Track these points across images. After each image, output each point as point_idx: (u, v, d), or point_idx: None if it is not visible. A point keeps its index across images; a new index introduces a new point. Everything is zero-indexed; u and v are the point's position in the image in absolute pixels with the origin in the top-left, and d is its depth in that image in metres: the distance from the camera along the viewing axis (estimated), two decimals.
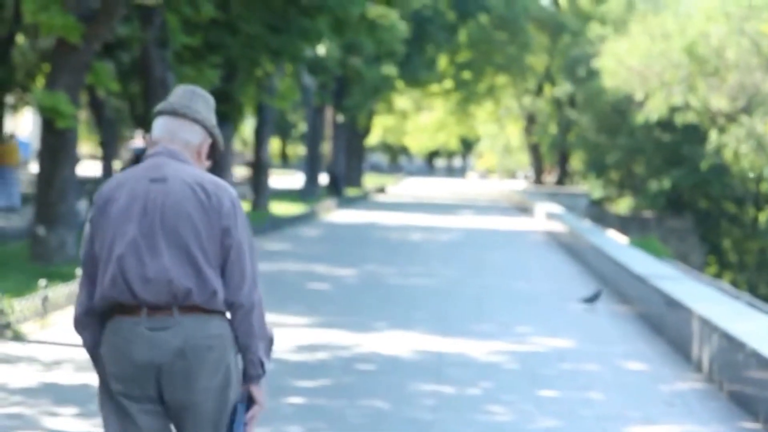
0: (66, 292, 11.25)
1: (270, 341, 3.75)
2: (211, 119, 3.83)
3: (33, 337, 9.89)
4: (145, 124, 19.83)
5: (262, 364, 3.72)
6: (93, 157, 62.50)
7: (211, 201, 3.67)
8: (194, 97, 3.81)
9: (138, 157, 28.79)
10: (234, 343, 3.70)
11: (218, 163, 24.13)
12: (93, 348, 3.78)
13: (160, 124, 3.80)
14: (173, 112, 3.79)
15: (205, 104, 3.83)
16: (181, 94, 3.82)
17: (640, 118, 42.73)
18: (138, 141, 25.74)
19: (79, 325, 3.77)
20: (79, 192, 16.28)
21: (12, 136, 25.56)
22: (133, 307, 3.63)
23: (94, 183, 30.18)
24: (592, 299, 13.38)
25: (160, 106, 3.83)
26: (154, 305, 3.62)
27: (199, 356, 3.62)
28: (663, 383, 8.93)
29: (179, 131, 3.78)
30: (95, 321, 3.74)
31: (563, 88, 54.26)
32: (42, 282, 10.78)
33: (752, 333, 8.41)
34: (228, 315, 3.72)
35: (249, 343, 3.70)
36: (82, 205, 17.32)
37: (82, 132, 53.20)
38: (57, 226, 14.61)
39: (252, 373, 3.72)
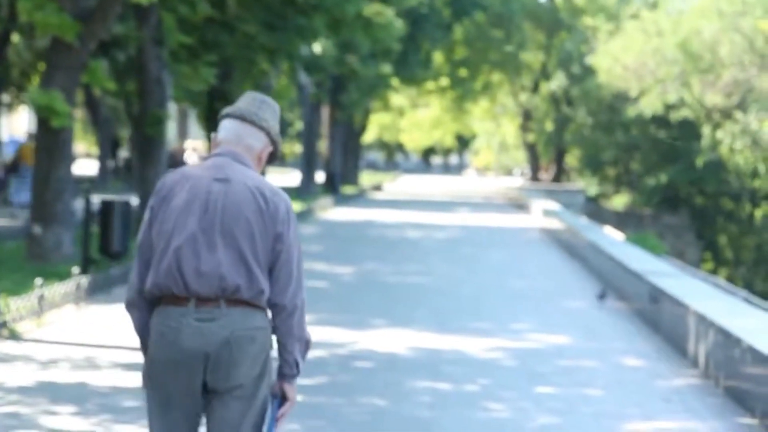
0: (62, 291, 11.25)
1: (307, 344, 3.95)
2: (276, 127, 4.00)
3: (29, 336, 9.88)
4: (141, 125, 19.80)
5: (297, 365, 3.93)
6: (89, 155, 62.45)
7: (268, 207, 3.85)
8: (263, 105, 3.99)
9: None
10: (271, 336, 3.89)
11: None
12: (143, 329, 3.95)
13: (227, 127, 3.98)
14: (241, 117, 3.96)
15: (272, 113, 4.01)
16: (250, 100, 3.99)
17: (631, 111, 42.78)
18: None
19: (131, 305, 3.94)
20: (75, 191, 16.26)
21: (32, 135, 25.77)
22: (182, 298, 3.81)
23: (90, 182, 30.14)
24: (602, 296, 13.62)
25: (228, 110, 3.99)
26: (203, 297, 3.80)
27: (243, 346, 3.81)
28: (660, 379, 8.94)
29: (245, 136, 3.95)
30: (144, 303, 3.91)
31: (558, 82, 54.25)
32: (38, 281, 10.77)
33: (748, 329, 8.43)
34: (269, 313, 3.90)
35: (287, 342, 3.90)
36: (78, 204, 17.31)
37: (78, 131, 53.14)
38: (53, 225, 14.60)
39: (287, 372, 3.93)
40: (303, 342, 3.93)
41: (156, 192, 3.92)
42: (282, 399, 3.93)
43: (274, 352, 3.95)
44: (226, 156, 3.92)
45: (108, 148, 42.28)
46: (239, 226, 3.82)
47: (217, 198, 3.84)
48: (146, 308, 3.92)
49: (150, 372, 3.88)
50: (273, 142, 4.01)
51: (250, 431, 3.86)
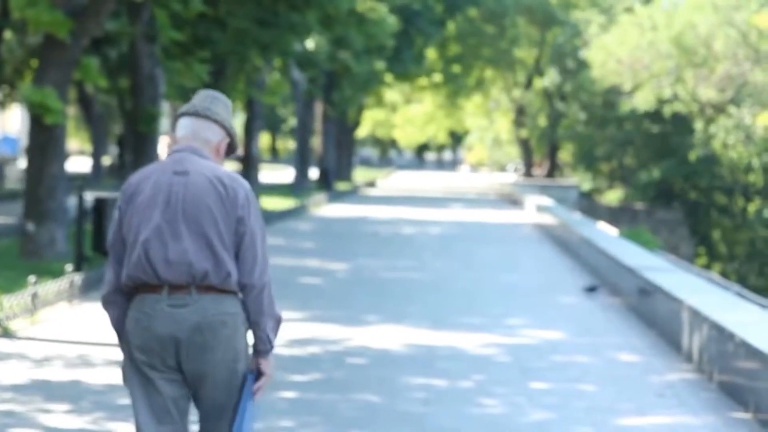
0: (55, 288, 11.23)
1: (278, 320, 4.18)
2: (229, 120, 4.25)
3: (23, 334, 9.87)
4: (134, 122, 19.78)
5: (269, 340, 4.15)
6: (82, 153, 62.36)
7: (228, 193, 4.07)
8: (215, 101, 4.24)
9: None
10: (245, 320, 4.11)
11: None
12: (118, 324, 4.17)
13: (183, 124, 4.23)
14: (195, 113, 4.22)
15: (224, 107, 4.25)
16: (203, 97, 4.25)
17: (625, 105, 42.79)
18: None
19: (107, 302, 4.17)
20: (68, 188, 16.24)
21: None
22: (156, 286, 4.03)
23: (83, 179, 30.06)
24: (592, 289, 13.77)
25: (183, 108, 4.25)
26: (174, 285, 4.02)
27: (214, 331, 4.03)
28: (654, 374, 8.95)
29: (200, 130, 4.21)
30: (121, 298, 4.14)
31: (551, 78, 54.27)
32: (31, 278, 10.75)
33: (742, 323, 8.44)
34: (240, 295, 4.12)
35: (259, 320, 4.12)
36: (72, 201, 17.27)
37: (71, 128, 53.04)
38: (46, 222, 14.59)
39: (260, 348, 4.15)
40: (274, 318, 4.15)
41: (123, 191, 4.15)
42: (258, 374, 4.14)
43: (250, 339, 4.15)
44: (184, 151, 4.16)
45: (101, 144, 42.19)
46: (202, 214, 4.04)
47: (178, 190, 4.06)
48: (122, 303, 4.13)
49: (129, 358, 4.09)
50: (228, 135, 4.24)
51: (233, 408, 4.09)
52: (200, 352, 4.01)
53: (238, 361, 4.08)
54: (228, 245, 4.05)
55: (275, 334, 4.18)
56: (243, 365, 4.10)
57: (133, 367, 4.08)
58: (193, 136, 4.20)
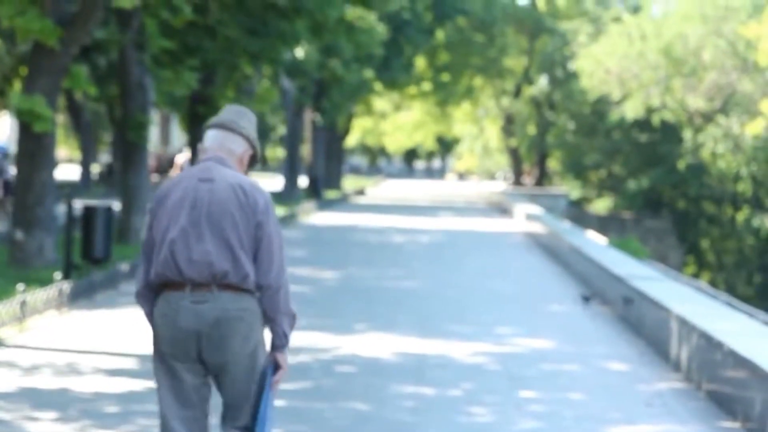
0: (44, 296, 11.21)
1: (293, 317, 4.55)
2: (253, 134, 4.62)
3: (11, 342, 9.84)
4: (123, 130, 19.74)
5: (285, 335, 4.55)
6: (71, 160, 62.25)
7: (248, 200, 4.45)
8: (240, 115, 4.62)
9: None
10: (261, 317, 4.48)
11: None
12: (150, 315, 4.56)
13: (211, 136, 4.61)
14: (222, 126, 4.60)
15: (249, 122, 4.63)
16: (230, 111, 4.63)
17: (614, 115, 42.90)
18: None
19: (140, 296, 4.57)
20: (57, 196, 16.21)
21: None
22: (179, 284, 4.42)
23: (71, 187, 30.07)
24: (587, 299, 13.88)
25: (211, 121, 4.63)
26: (197, 282, 4.40)
27: (232, 325, 4.41)
28: (642, 383, 8.96)
29: (226, 142, 4.59)
30: (151, 294, 4.54)
31: (540, 87, 54.38)
32: (20, 286, 10.73)
33: (730, 332, 8.46)
34: (257, 294, 4.49)
35: (275, 317, 4.51)
36: (61, 209, 17.23)
37: (60, 136, 52.94)
38: (35, 229, 14.55)
39: (277, 343, 4.56)
40: (289, 316, 4.52)
41: (155, 197, 4.53)
42: (275, 367, 4.53)
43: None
44: (211, 160, 4.53)
45: (90, 152, 42.12)
46: (224, 218, 4.41)
47: (203, 195, 4.43)
48: (153, 298, 4.53)
49: (157, 348, 4.49)
50: (252, 147, 4.61)
51: (254, 399, 4.47)
52: (218, 344, 4.39)
53: (257, 353, 4.46)
54: (247, 248, 4.41)
55: (291, 330, 4.54)
56: (261, 357, 4.49)
57: (160, 358, 4.47)
58: (219, 147, 4.56)
